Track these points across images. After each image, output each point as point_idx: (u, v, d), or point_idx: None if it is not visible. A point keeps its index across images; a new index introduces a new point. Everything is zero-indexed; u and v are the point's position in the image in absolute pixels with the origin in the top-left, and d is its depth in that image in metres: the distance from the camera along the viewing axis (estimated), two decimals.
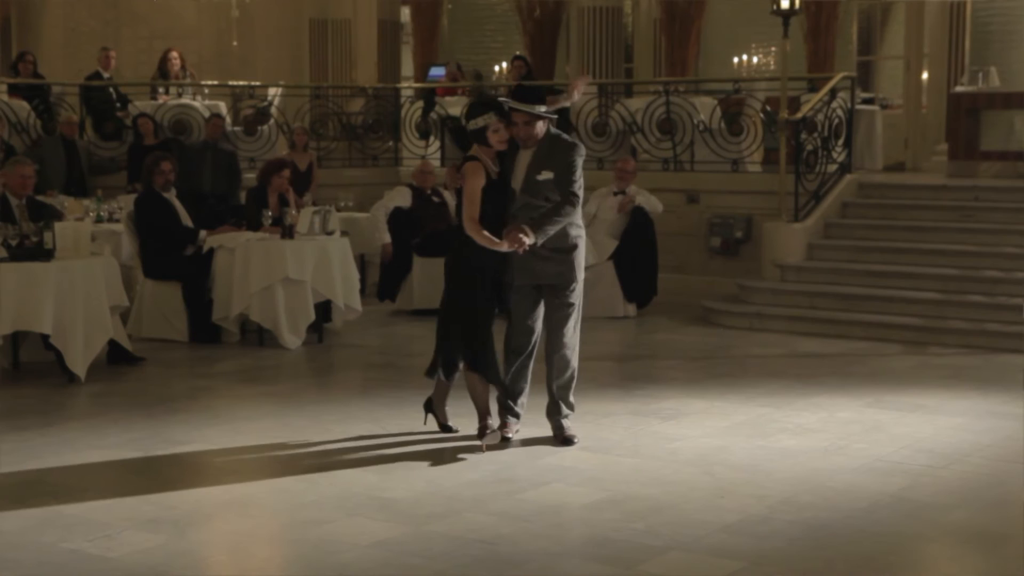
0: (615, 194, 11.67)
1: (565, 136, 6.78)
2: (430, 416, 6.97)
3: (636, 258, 11.50)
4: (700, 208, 12.88)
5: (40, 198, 9.98)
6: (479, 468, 6.29)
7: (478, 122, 6.57)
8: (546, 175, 6.54)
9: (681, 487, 5.98)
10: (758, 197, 12.37)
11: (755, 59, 17.13)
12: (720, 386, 8.41)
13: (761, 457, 6.55)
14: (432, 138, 15.00)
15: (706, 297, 11.60)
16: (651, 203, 11.63)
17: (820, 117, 11.95)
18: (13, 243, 8.30)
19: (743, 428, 7.21)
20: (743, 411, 7.63)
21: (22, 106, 13.91)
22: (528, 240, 6.34)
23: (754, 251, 12.19)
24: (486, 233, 6.41)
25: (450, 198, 11.77)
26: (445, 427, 6.96)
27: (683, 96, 13.60)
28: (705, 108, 13.35)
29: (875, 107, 15.06)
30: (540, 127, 6.55)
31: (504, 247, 6.39)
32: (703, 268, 12.78)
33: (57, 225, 8.58)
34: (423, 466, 6.35)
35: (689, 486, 6.00)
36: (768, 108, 13.06)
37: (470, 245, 6.49)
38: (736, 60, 17.03)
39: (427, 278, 11.42)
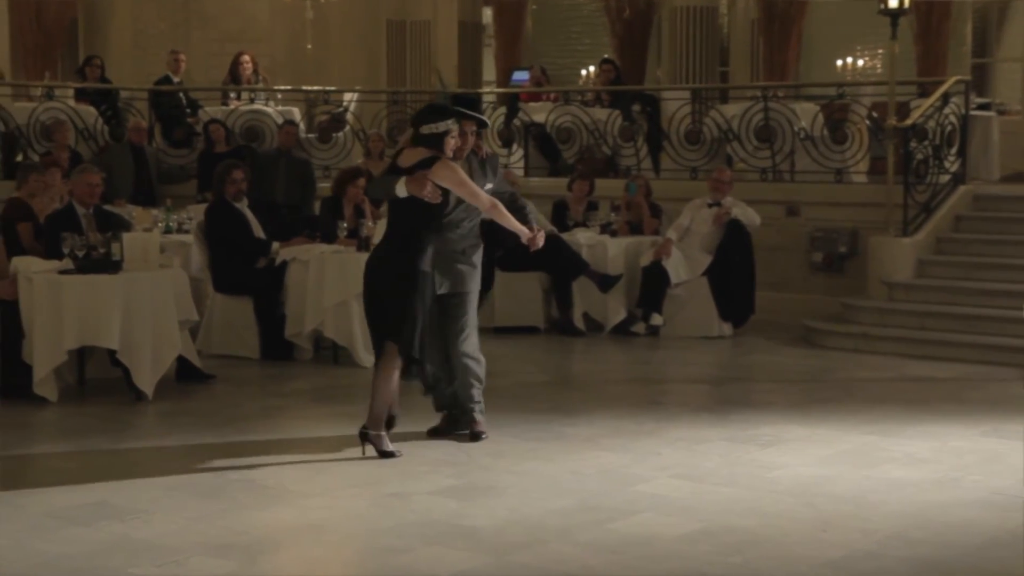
0: (709, 206, 11.63)
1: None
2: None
3: (732, 274, 11.44)
4: (801, 221, 12.80)
5: (108, 207, 10.17)
6: (566, 496, 6.29)
7: (438, 127, 6.84)
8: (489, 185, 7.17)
9: (781, 519, 5.93)
10: (863, 209, 12.27)
11: (860, 62, 17.04)
12: (822, 412, 8.33)
13: (867, 488, 6.48)
14: (515, 146, 15.01)
15: (807, 316, 11.52)
16: (748, 215, 11.57)
17: (931, 124, 11.83)
18: (80, 254, 8.42)
19: (847, 457, 7.13)
20: (847, 439, 7.56)
21: (89, 112, 14.19)
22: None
23: (859, 267, 12.09)
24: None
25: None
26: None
27: (782, 102, 13.53)
28: (806, 114, 13.28)
29: (991, 113, 14.85)
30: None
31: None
32: (804, 285, 12.69)
33: (125, 236, 8.73)
34: (507, 493, 6.35)
35: (789, 518, 5.95)
36: (875, 114, 12.96)
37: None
38: (840, 63, 16.95)
39: (508, 293, 11.50)
